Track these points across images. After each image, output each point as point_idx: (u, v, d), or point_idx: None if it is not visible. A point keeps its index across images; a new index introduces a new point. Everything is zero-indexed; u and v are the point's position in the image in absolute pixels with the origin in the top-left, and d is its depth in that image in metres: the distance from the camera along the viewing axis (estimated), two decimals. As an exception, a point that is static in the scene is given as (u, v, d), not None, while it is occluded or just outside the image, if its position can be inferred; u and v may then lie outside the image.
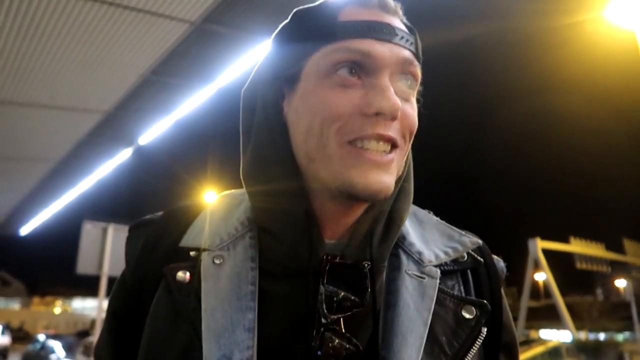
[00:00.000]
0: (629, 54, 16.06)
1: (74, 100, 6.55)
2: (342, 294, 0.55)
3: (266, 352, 0.54)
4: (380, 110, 0.54)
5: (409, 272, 0.59)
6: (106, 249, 5.99)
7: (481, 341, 0.58)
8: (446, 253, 0.62)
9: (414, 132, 0.58)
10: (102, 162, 9.46)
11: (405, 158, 0.61)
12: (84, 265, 6.03)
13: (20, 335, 43.09)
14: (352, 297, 0.54)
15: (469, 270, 0.65)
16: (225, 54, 6.06)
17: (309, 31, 0.60)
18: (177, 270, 0.59)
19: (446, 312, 0.58)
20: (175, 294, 0.58)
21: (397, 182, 0.60)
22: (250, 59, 6.29)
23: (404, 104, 0.57)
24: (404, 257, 0.61)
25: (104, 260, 5.95)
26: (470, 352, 0.56)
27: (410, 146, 0.60)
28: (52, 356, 14.98)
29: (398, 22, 0.60)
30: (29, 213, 13.52)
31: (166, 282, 0.59)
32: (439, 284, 0.59)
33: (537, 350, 16.64)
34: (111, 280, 6.11)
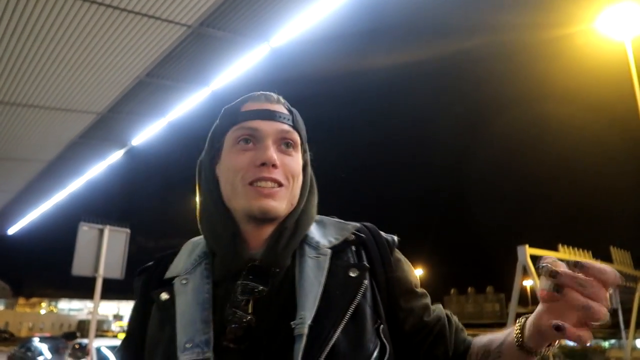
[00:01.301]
0: (619, 64, 16.26)
1: (66, 102, 6.51)
2: (250, 283, 0.82)
3: (217, 335, 0.80)
4: (263, 161, 0.86)
5: (310, 255, 0.88)
6: (102, 251, 5.94)
7: (363, 289, 0.83)
8: (336, 238, 0.92)
9: (296, 175, 0.90)
10: (94, 164, 9.39)
11: (298, 191, 0.92)
12: (80, 267, 5.95)
13: (5, 337, 42.50)
14: (259, 285, 0.82)
15: (361, 246, 0.93)
16: (221, 57, 6.06)
17: (225, 119, 0.95)
18: (160, 293, 0.89)
19: (338, 275, 0.84)
20: (161, 309, 0.88)
21: (296, 207, 0.92)
22: (246, 62, 6.29)
23: (285, 158, 0.89)
24: (306, 248, 0.90)
25: (100, 262, 5.89)
26: (356, 299, 0.81)
27: (299, 184, 0.92)
28: (39, 358, 14.79)
29: (279, 107, 0.93)
30: (18, 213, 13.37)
31: (155, 303, 0.89)
32: (332, 258, 0.87)
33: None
34: (106, 282, 6.05)
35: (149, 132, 8.17)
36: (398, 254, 0.97)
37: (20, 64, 5.42)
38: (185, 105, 7.24)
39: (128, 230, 6.49)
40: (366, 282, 0.85)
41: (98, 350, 10.67)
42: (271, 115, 0.91)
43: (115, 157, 9.08)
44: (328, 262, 0.86)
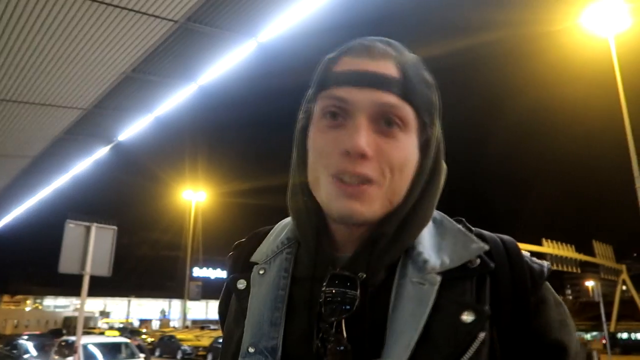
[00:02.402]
0: (604, 59, 16.49)
1: (52, 97, 6.44)
2: (339, 293, 0.65)
3: (289, 343, 0.68)
4: (347, 150, 0.64)
5: (412, 279, 0.65)
6: (89, 248, 5.89)
7: (478, 344, 0.60)
8: (452, 260, 0.67)
9: (397, 167, 0.66)
10: (80, 160, 9.30)
11: (404, 185, 0.69)
12: (67, 264, 5.90)
13: (-11, 334, 41.93)
14: (351, 295, 0.65)
15: (488, 276, 0.67)
16: (208, 52, 6.04)
17: (317, 79, 0.72)
18: (237, 280, 0.77)
19: (446, 317, 0.62)
20: (238, 298, 0.76)
21: (401, 206, 0.69)
22: (233, 58, 6.28)
23: (384, 143, 0.66)
24: (410, 266, 0.67)
25: (87, 260, 5.84)
26: (466, 354, 0.60)
27: (406, 176, 0.68)
28: (25, 356, 14.66)
29: (384, 66, 0.67)
30: (2, 209, 13.20)
31: (233, 291, 0.78)
32: (443, 289, 0.64)
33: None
34: (92, 279, 6.01)
35: (135, 128, 8.12)
36: (546, 292, 0.68)
37: (4, 60, 5.35)
38: (172, 101, 7.21)
39: (115, 228, 6.45)
40: (483, 334, 0.61)
41: (85, 347, 10.62)
42: (369, 81, 0.66)
43: (101, 152, 9.01)
44: (434, 295, 0.63)
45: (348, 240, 0.70)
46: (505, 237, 0.73)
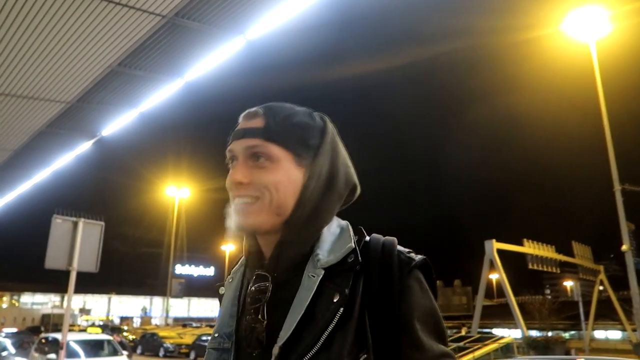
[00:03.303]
0: (585, 65, 16.74)
1: (33, 90, 6.34)
2: (254, 289, 0.89)
3: (240, 329, 0.91)
4: (232, 182, 0.91)
5: (309, 274, 0.87)
6: (76, 244, 5.79)
7: (338, 317, 0.80)
8: (335, 257, 0.87)
9: (271, 186, 0.89)
10: (62, 154, 9.16)
11: (288, 200, 0.91)
12: (53, 260, 5.79)
13: (-35, 332, 40.99)
14: (267, 290, 0.88)
15: (363, 268, 0.86)
16: (196, 48, 5.99)
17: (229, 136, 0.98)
18: (220, 287, 1.03)
19: (325, 299, 0.83)
20: (219, 301, 1.02)
21: (292, 218, 0.91)
22: (221, 54, 6.25)
23: (256, 172, 0.91)
24: (310, 264, 0.88)
25: (74, 255, 5.75)
26: (329, 326, 0.80)
27: (288, 192, 0.90)
28: (4, 353, 14.38)
29: (253, 122, 0.94)
30: (-20, 204, 12.93)
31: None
32: (328, 280, 0.84)
33: (491, 347, 17.22)
34: (77, 276, 5.92)
35: (119, 123, 8.02)
36: (411, 281, 0.86)
37: (-14, 50, 5.25)
38: (158, 96, 7.14)
39: (102, 223, 6.37)
40: (342, 309, 0.81)
41: (67, 344, 10.45)
42: (241, 134, 0.94)
43: (84, 147, 8.89)
44: (317, 284, 0.84)
45: (268, 248, 0.93)
46: (389, 237, 0.92)
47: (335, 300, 0.82)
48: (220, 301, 1.01)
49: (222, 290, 1.02)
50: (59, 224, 5.85)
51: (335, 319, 0.80)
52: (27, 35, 5.03)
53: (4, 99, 6.55)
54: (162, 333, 29.04)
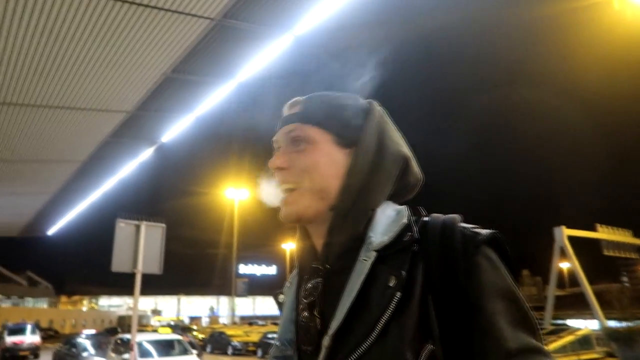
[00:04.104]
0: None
1: (96, 102, 6.60)
2: (311, 284, 0.85)
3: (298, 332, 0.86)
4: (272, 169, 0.91)
5: (361, 258, 0.80)
6: (140, 247, 5.98)
7: (396, 302, 0.72)
8: (388, 237, 0.80)
9: (311, 169, 0.87)
10: (126, 162, 9.54)
11: (331, 182, 0.86)
12: (119, 263, 6.02)
13: (50, 334, 44.13)
14: (318, 286, 0.84)
15: (420, 247, 0.78)
16: (245, 48, 6.02)
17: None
18: (279, 294, 0.98)
19: (379, 284, 0.75)
20: (280, 309, 0.97)
21: (341, 202, 0.85)
22: (270, 52, 6.24)
23: (294, 156, 0.89)
24: (363, 249, 0.81)
25: (138, 258, 5.94)
26: (388, 309, 0.72)
27: (328, 175, 0.87)
28: (84, 354, 15.27)
29: (292, 110, 0.94)
30: (55, 214, 13.75)
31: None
32: (381, 263, 0.77)
33: (567, 339, 16.33)
34: (143, 278, 6.11)
35: (177, 128, 8.23)
36: (479, 258, 0.75)
37: (50, 69, 5.50)
38: (212, 99, 7.25)
39: (164, 225, 6.55)
40: (399, 294, 0.72)
41: (140, 344, 10.93)
42: (282, 122, 0.94)
43: (146, 154, 9.20)
44: (368, 267, 0.77)
45: (319, 238, 0.89)
46: (450, 215, 0.83)
47: (391, 285, 0.74)
48: (280, 309, 0.96)
49: (281, 298, 0.97)
50: (123, 228, 6.06)
51: (392, 306, 0.72)
52: (86, 50, 5.21)
53: (70, 113, 6.87)
54: (229, 332, 29.83)
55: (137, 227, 6.16)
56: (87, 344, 16.34)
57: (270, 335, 23.35)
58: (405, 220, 0.81)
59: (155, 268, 6.24)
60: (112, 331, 36.46)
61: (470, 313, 0.71)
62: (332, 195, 0.86)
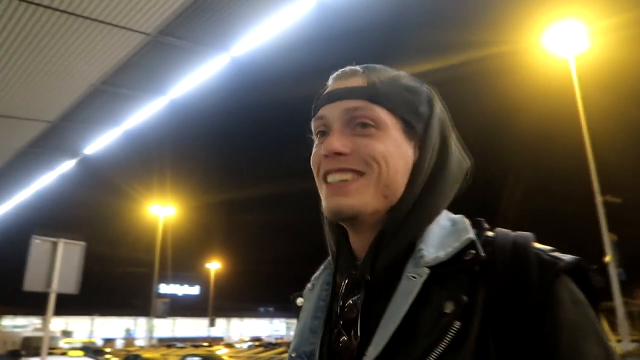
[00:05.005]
0: (566, 79, 17.07)
1: (16, 109, 6.25)
2: (351, 302, 0.72)
3: (323, 348, 0.74)
4: (325, 153, 0.73)
5: (408, 274, 0.68)
6: (56, 265, 5.65)
7: (454, 332, 0.60)
8: (446, 253, 0.67)
9: (380, 157, 0.72)
10: (44, 173, 9.02)
11: (399, 178, 0.74)
12: (32, 282, 5.63)
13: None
14: (358, 301, 0.71)
15: (485, 268, 0.65)
16: (180, 66, 5.99)
17: (312, 109, 0.82)
18: (297, 297, 0.86)
19: (432, 308, 0.63)
20: (297, 312, 0.84)
21: (401, 203, 0.73)
22: (205, 71, 6.25)
23: (361, 140, 0.73)
24: (411, 262, 0.69)
25: (54, 277, 5.60)
26: (443, 342, 0.60)
27: (399, 168, 0.73)
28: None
29: (352, 81, 0.77)
30: (-42, 225, 12.65)
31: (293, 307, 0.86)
32: (435, 283, 0.65)
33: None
34: (60, 298, 5.75)
35: (103, 141, 7.94)
36: (559, 289, 0.62)
37: (-34, 69, 5.17)
38: (142, 114, 7.10)
39: (83, 243, 6.24)
40: (458, 323, 0.60)
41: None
42: (338, 96, 0.76)
43: (66, 166, 8.77)
44: (419, 287, 0.65)
45: (361, 244, 0.75)
46: (522, 232, 0.70)
47: (447, 312, 0.61)
48: (298, 314, 0.83)
49: (299, 301, 0.84)
50: (38, 245, 5.71)
51: (448, 337, 0.59)
52: (9, 54, 4.97)
53: (-16, 119, 6.45)
54: (145, 354, 28.50)
55: (54, 245, 5.83)
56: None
57: (189, 359, 22.52)
58: (470, 236, 0.68)
59: (72, 288, 5.91)
60: (14, 354, 33.55)
61: (540, 356, 0.59)
62: (396, 194, 0.73)
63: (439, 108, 0.80)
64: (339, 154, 0.72)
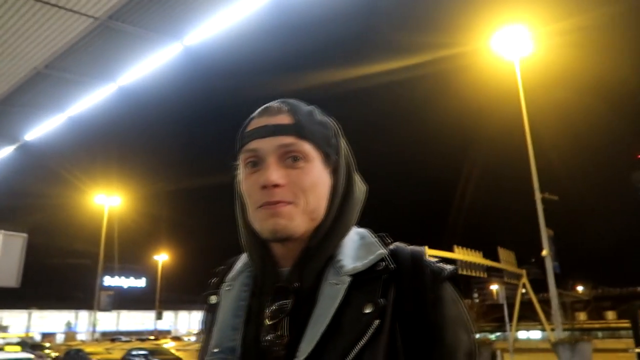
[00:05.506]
0: (511, 81, 17.80)
1: (-51, 90, 5.89)
2: (275, 307, 0.81)
3: (246, 344, 0.83)
4: (263, 184, 0.82)
5: (330, 281, 0.80)
6: (-6, 258, 5.37)
7: (371, 331, 0.74)
8: (362, 264, 0.81)
9: (308, 188, 0.83)
10: (-21, 159, 8.54)
11: (320, 203, 0.86)
12: (-31, 275, 5.34)
13: None
14: (287, 305, 0.81)
15: (393, 277, 0.81)
16: (130, 53, 5.81)
17: (238, 140, 0.90)
18: (210, 296, 0.93)
19: (353, 310, 0.77)
20: (209, 311, 0.92)
21: (323, 222, 0.86)
22: (157, 59, 6.10)
23: (292, 173, 0.83)
24: (331, 271, 0.82)
25: (-7, 270, 5.33)
26: (364, 337, 0.74)
27: (319, 195, 0.85)
28: None
29: (280, 119, 0.86)
30: None
31: (207, 305, 0.93)
32: (355, 289, 0.78)
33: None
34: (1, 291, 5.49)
35: (45, 127, 7.61)
36: (443, 291, 0.81)
37: None
38: (89, 100, 6.85)
39: (25, 235, 5.97)
40: (377, 321, 0.75)
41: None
42: (270, 131, 0.85)
43: (5, 152, 8.33)
44: (343, 293, 0.78)
45: (286, 257, 0.86)
46: (416, 247, 0.87)
47: (367, 312, 0.75)
48: (209, 311, 0.92)
49: (213, 299, 0.92)
50: (-24, 238, 5.43)
51: (369, 333, 0.74)
52: (-58, 32, 4.68)
53: None
54: (88, 349, 27.47)
55: (-7, 238, 5.54)
56: None
57: (134, 352, 21.99)
58: (382, 251, 0.82)
59: (12, 281, 5.66)
60: (-58, 351, 31.53)
61: (432, 342, 0.77)
62: (321, 215, 0.85)
63: (342, 140, 0.93)
64: (276, 185, 0.81)
